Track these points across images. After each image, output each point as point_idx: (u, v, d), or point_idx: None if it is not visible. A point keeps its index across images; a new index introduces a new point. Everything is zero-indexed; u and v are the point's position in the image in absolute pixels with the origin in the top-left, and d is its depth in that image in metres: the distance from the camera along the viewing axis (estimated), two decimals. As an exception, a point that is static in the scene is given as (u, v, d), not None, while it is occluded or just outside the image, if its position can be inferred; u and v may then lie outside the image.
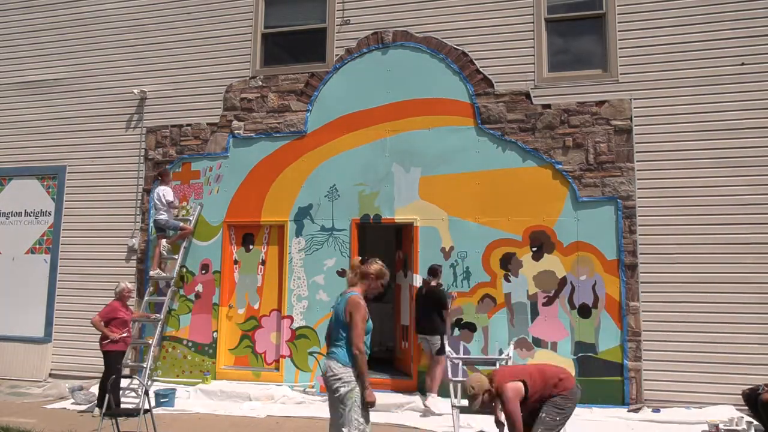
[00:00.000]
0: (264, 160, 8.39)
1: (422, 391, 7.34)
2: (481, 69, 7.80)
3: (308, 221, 8.13)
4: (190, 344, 8.29)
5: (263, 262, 8.34)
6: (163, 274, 8.24)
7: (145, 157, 8.90)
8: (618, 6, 7.51)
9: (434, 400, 6.88)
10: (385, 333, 9.16)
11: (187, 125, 8.79)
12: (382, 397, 7.14)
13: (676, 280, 7.01)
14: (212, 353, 8.18)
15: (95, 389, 7.73)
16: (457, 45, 7.92)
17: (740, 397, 6.25)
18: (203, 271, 8.42)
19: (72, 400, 7.58)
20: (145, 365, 7.70)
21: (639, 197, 7.20)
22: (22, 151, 9.49)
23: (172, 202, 8.24)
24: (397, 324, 8.49)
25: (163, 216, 8.18)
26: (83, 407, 7.31)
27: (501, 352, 7.06)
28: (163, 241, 8.23)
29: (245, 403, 7.35)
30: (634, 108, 7.34)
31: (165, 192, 8.24)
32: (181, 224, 8.28)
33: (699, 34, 7.27)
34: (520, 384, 4.46)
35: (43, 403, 7.60)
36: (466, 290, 7.48)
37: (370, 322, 4.19)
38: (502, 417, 4.61)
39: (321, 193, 8.13)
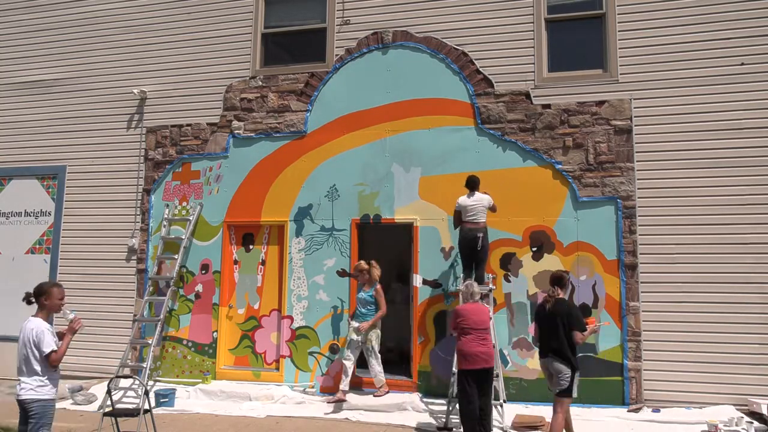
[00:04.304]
0: (264, 160, 8.39)
1: (421, 390, 7.35)
2: (481, 69, 7.80)
3: (308, 221, 8.13)
4: (190, 344, 8.29)
5: (263, 262, 8.34)
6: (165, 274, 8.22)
7: (145, 157, 8.90)
8: (618, 6, 7.51)
9: None
10: (385, 333, 9.13)
11: (187, 125, 8.79)
12: (382, 397, 7.18)
13: (676, 280, 7.01)
14: (212, 353, 8.18)
15: (95, 389, 7.75)
16: (457, 45, 7.92)
17: (740, 396, 6.24)
18: (203, 271, 8.42)
19: (71, 401, 7.57)
20: (145, 365, 7.69)
21: (639, 197, 7.20)
22: (22, 151, 9.50)
23: None
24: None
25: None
26: (83, 407, 7.31)
27: None
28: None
29: (245, 403, 7.34)
30: (634, 108, 7.34)
31: None
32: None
33: (699, 34, 7.27)
34: None
35: (43, 403, 7.58)
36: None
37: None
38: None
39: (321, 193, 8.13)
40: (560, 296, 5.63)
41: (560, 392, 5.38)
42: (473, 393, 5.69)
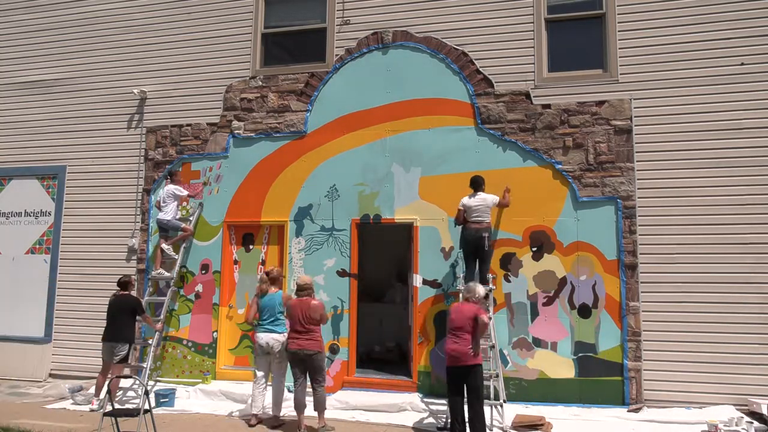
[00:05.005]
0: (264, 160, 8.39)
1: (421, 390, 7.36)
2: (481, 69, 7.81)
3: (308, 221, 8.13)
4: (190, 344, 8.29)
5: (263, 262, 8.34)
6: (166, 274, 8.22)
7: (145, 157, 8.90)
8: (618, 6, 7.51)
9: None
10: (386, 333, 9.16)
11: (187, 125, 8.79)
12: (382, 397, 7.18)
13: (676, 280, 7.01)
14: (212, 353, 8.18)
15: (95, 389, 7.74)
16: (457, 45, 7.92)
17: (740, 396, 6.25)
18: (203, 271, 8.42)
19: (71, 401, 7.57)
20: (145, 365, 7.70)
21: (639, 197, 7.21)
22: (22, 151, 9.50)
23: (182, 196, 8.27)
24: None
25: (166, 216, 8.16)
26: (83, 407, 7.31)
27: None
28: (164, 245, 8.21)
29: (245, 403, 7.33)
30: (634, 108, 7.34)
31: (176, 189, 8.22)
32: (183, 225, 8.27)
33: (699, 34, 7.27)
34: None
35: (43, 403, 7.60)
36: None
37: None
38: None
39: (321, 193, 8.13)
40: (124, 293, 7.41)
41: (120, 360, 7.14)
42: (452, 390, 5.80)
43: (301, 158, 8.25)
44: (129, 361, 7.39)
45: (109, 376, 6.86)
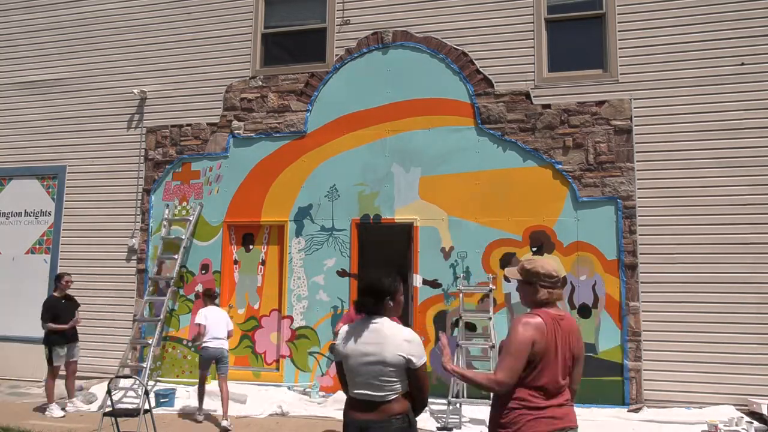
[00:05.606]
0: (264, 160, 8.39)
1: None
2: (481, 69, 7.81)
3: (308, 221, 8.13)
4: (190, 344, 8.29)
5: (263, 262, 8.34)
6: (166, 274, 8.22)
7: (145, 157, 8.90)
8: (618, 6, 7.51)
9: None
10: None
11: (187, 125, 8.79)
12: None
13: (676, 280, 7.01)
14: (212, 353, 8.16)
15: (95, 389, 7.74)
16: (457, 45, 7.92)
17: (740, 396, 6.24)
18: (203, 271, 8.42)
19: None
20: (145, 365, 7.69)
21: (639, 197, 7.21)
22: (22, 151, 9.50)
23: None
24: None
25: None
26: (83, 407, 7.31)
27: None
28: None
29: (245, 402, 7.33)
30: (634, 108, 7.34)
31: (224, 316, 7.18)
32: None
33: (699, 34, 7.27)
34: None
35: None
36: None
37: None
38: None
39: (321, 193, 8.13)
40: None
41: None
42: None
43: (301, 158, 8.25)
44: (55, 364, 7.05)
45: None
